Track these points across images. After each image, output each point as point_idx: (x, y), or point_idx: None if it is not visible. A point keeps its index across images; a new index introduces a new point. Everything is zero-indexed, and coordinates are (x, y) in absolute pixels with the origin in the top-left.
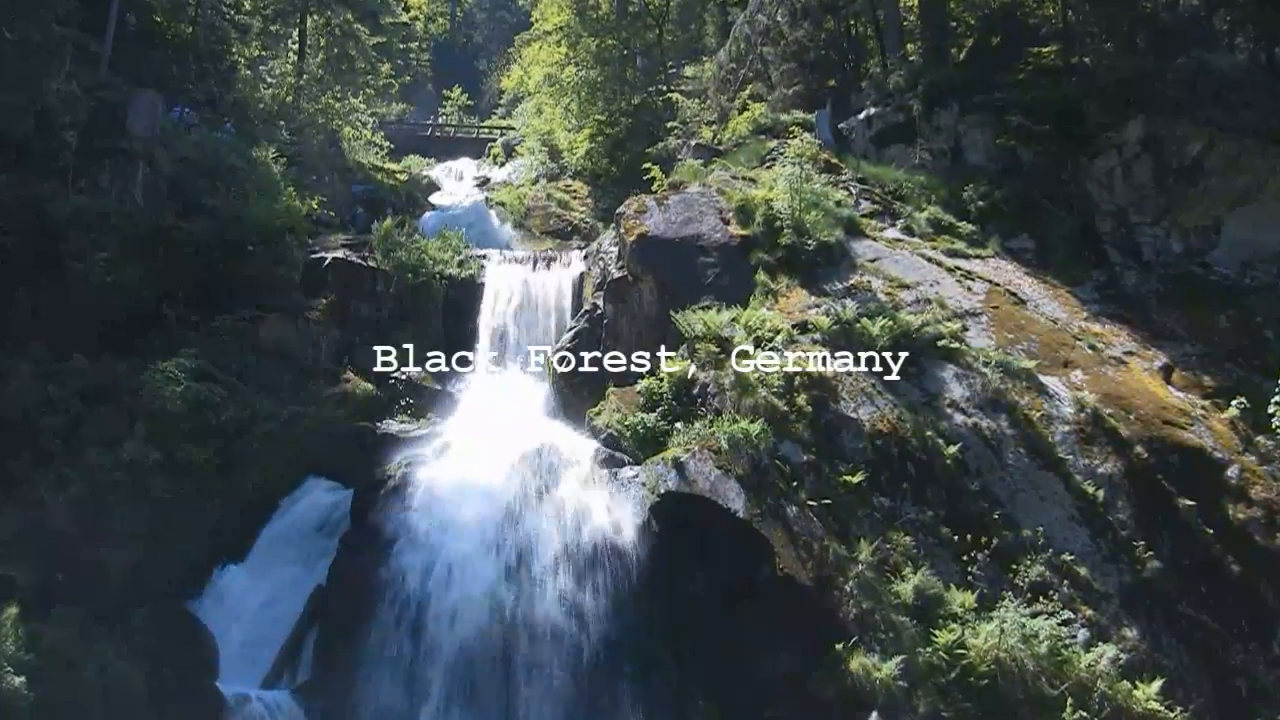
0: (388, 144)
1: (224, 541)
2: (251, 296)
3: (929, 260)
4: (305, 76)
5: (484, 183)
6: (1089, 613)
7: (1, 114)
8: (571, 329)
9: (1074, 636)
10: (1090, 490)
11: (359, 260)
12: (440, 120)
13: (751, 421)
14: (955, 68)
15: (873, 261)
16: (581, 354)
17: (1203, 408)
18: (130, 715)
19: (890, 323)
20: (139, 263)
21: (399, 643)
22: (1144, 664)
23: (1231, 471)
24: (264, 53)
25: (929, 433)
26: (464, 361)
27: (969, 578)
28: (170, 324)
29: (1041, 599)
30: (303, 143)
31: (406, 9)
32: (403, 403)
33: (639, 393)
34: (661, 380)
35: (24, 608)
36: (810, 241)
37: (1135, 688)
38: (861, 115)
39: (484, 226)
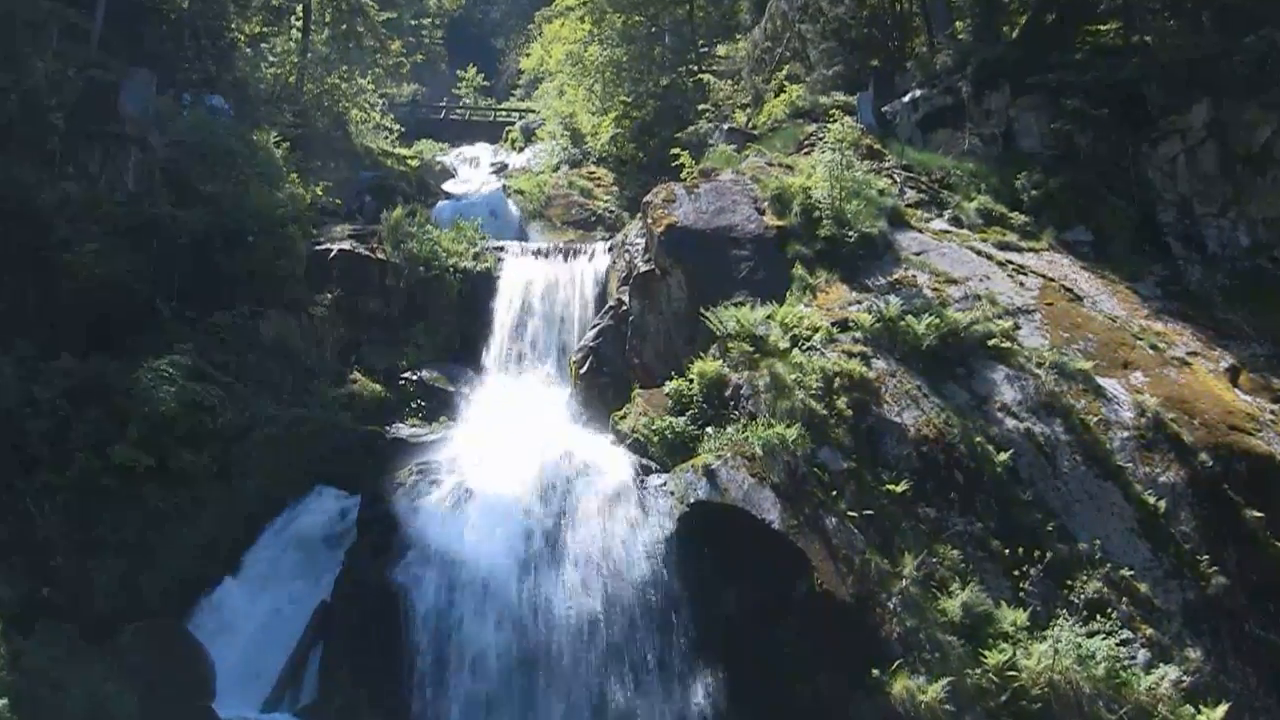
0: (398, 127)
1: (221, 553)
2: (251, 291)
3: (978, 253)
4: (309, 55)
5: (501, 169)
6: (1149, 632)
7: None
8: (595, 326)
9: (1133, 657)
10: (1151, 501)
11: (367, 252)
12: (455, 102)
13: (788, 426)
14: (1007, 47)
15: (918, 255)
16: (605, 353)
17: (1272, 412)
18: None
19: (937, 321)
20: (131, 254)
21: (410, 662)
22: (1208, 687)
23: None
24: (265, 29)
25: (978, 438)
26: (479, 361)
27: (1021, 594)
28: (164, 320)
29: (1099, 617)
30: (307, 126)
31: None
32: (414, 405)
33: (667, 395)
34: (691, 382)
35: (7, 624)
36: (851, 233)
37: (1199, 712)
38: (906, 98)
39: (501, 216)
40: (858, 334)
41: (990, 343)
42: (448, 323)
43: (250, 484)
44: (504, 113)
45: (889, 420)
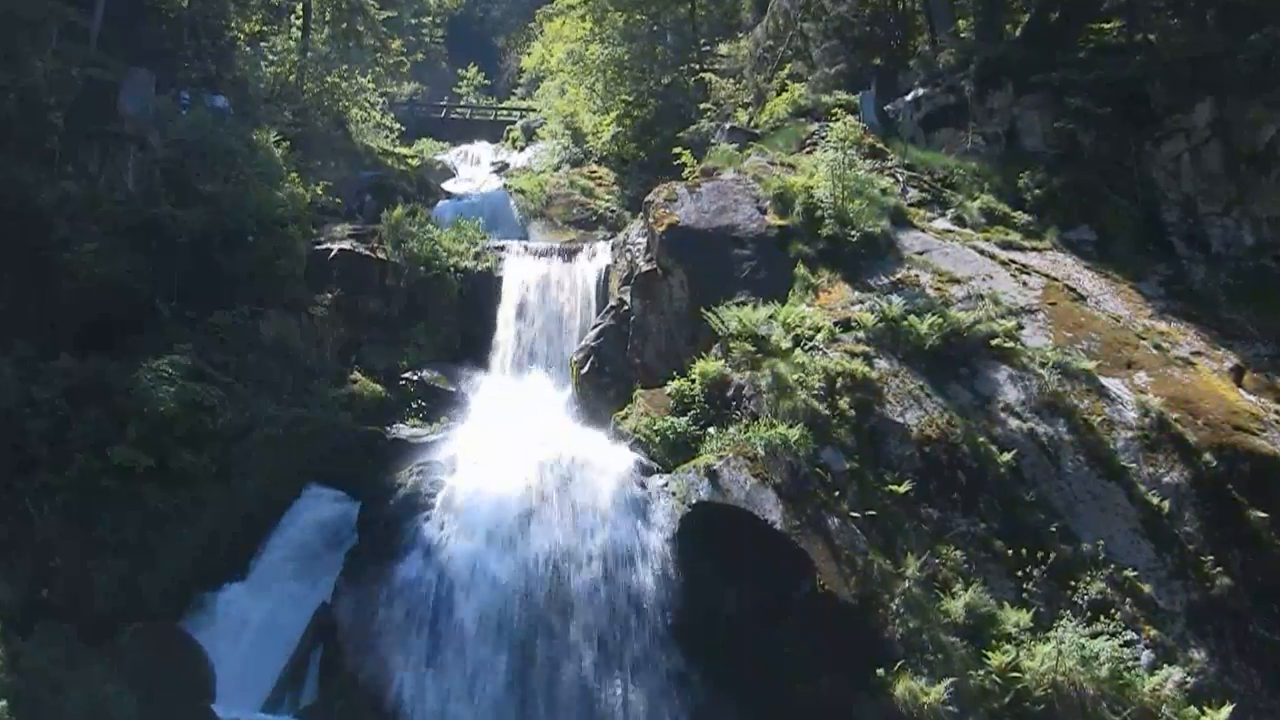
0: (398, 127)
1: (221, 554)
2: (251, 291)
3: (981, 253)
4: (309, 54)
5: (502, 168)
6: (1153, 633)
7: None
8: (596, 326)
9: (1137, 658)
10: (1155, 501)
11: (367, 252)
12: (455, 101)
13: (790, 426)
14: (1010, 45)
15: (921, 254)
16: (606, 352)
17: (1276, 412)
18: None
19: (940, 320)
20: (130, 254)
21: (410, 664)
22: (1212, 688)
23: None
24: (265, 28)
25: (981, 439)
26: (480, 361)
27: (1024, 595)
28: (163, 320)
29: (1102, 618)
30: (307, 125)
31: None
32: (414, 405)
33: (669, 395)
34: (693, 382)
35: (5, 625)
36: (854, 232)
37: (1203, 713)
38: (909, 96)
39: (502, 216)
40: (860, 334)
41: (993, 342)
42: (448, 322)
43: (250, 484)
44: (505, 112)
45: (892, 420)
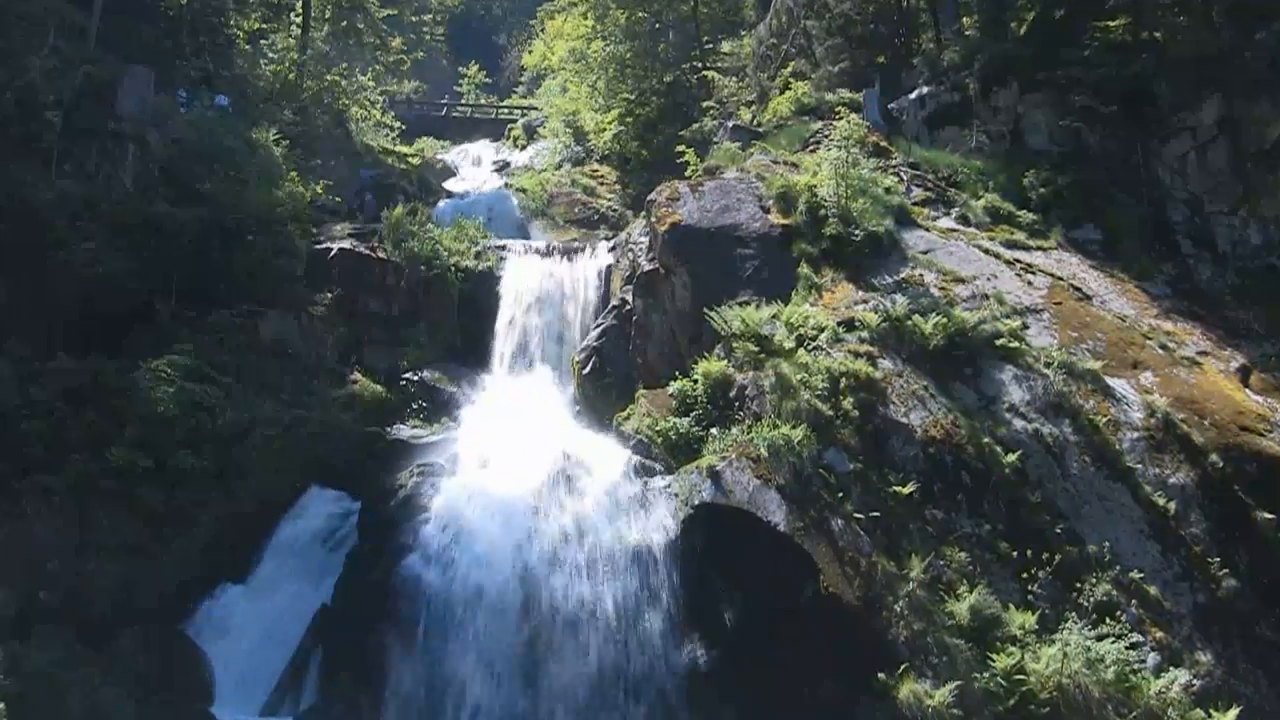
0: (399, 125)
1: (221, 556)
2: (250, 290)
3: (986, 252)
4: (309, 51)
5: (503, 167)
6: (1159, 635)
7: None
8: (598, 326)
9: (1143, 661)
10: (1161, 502)
11: (367, 251)
12: (456, 99)
13: (793, 427)
14: (1015, 43)
15: (925, 253)
16: (608, 352)
17: None
18: None
19: (944, 320)
20: (128, 253)
21: (411, 666)
22: (1219, 691)
23: None
24: (264, 26)
25: (986, 439)
26: (481, 361)
27: (1029, 597)
28: (162, 320)
29: (1108, 620)
30: (306, 124)
31: None
32: (415, 406)
33: (671, 395)
34: (696, 382)
35: (3, 628)
36: (857, 231)
37: (1209, 716)
38: (913, 95)
39: (503, 215)
40: (864, 334)
41: (998, 342)
42: (449, 322)
43: (250, 486)
44: (506, 110)
45: (896, 421)
